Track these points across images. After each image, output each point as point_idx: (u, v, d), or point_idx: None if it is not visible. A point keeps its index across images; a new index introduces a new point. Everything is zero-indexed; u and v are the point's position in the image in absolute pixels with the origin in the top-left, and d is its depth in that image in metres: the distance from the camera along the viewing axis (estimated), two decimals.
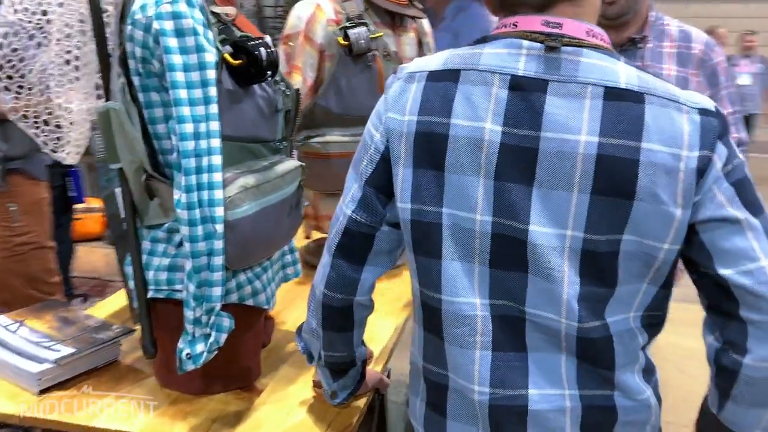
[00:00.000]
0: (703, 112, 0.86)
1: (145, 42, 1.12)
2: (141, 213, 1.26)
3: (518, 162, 0.88)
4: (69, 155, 1.30)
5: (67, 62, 1.23)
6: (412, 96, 0.93)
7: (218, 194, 1.12)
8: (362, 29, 1.78)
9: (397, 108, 0.94)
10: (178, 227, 1.23)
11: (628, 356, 0.94)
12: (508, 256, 0.90)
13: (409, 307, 1.78)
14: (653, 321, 0.96)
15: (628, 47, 1.85)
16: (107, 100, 1.20)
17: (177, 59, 1.09)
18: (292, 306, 1.68)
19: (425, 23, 2.07)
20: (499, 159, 0.87)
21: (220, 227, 1.13)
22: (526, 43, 0.88)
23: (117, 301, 1.79)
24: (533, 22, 0.89)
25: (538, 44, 0.88)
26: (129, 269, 1.30)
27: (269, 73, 1.20)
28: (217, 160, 1.12)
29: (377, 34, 1.82)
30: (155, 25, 1.10)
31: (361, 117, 1.85)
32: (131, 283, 1.30)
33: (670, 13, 1.95)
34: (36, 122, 1.30)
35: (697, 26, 1.90)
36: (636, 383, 0.95)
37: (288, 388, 1.36)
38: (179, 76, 1.10)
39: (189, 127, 1.10)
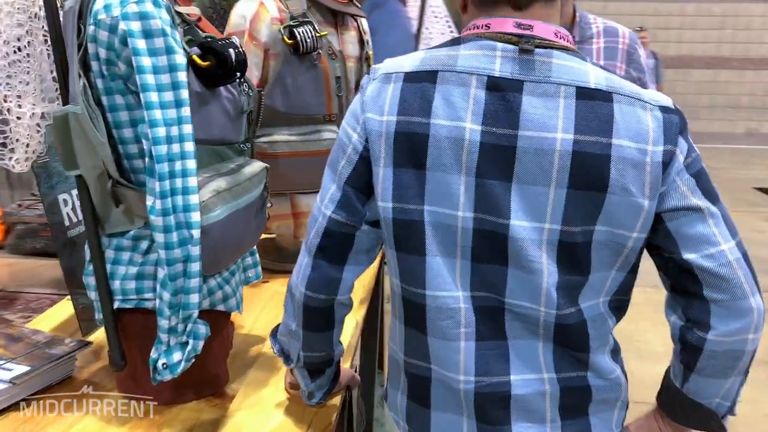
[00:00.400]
0: (664, 109, 0.93)
1: (110, 43, 1.07)
2: (102, 221, 1.21)
3: (497, 159, 0.92)
4: (18, 163, 1.22)
5: (15, 62, 1.15)
6: (390, 96, 0.95)
7: (194, 199, 1.10)
8: (308, 27, 1.78)
9: (375, 108, 0.96)
10: (144, 234, 1.19)
11: (600, 339, 1.01)
12: (489, 250, 0.95)
13: (365, 303, 1.80)
14: (619, 305, 1.03)
15: None
16: (65, 103, 1.14)
17: (146, 61, 1.06)
18: (249, 308, 1.66)
19: (365, 21, 2.08)
20: (480, 157, 0.91)
21: (196, 233, 1.10)
22: (500, 45, 0.93)
23: (58, 313, 1.70)
24: (505, 24, 0.94)
25: (512, 46, 0.92)
26: (90, 279, 1.24)
27: (238, 74, 1.18)
28: (191, 164, 1.10)
29: (322, 33, 1.82)
30: (122, 25, 1.05)
31: (308, 116, 1.88)
32: (93, 294, 1.25)
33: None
34: None
35: None
36: (607, 363, 1.03)
37: (260, 391, 1.35)
38: (149, 79, 1.06)
39: (161, 131, 1.07)
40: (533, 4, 0.95)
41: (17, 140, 1.19)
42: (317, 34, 1.80)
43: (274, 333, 1.23)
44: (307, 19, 1.81)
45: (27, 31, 1.15)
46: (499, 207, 0.93)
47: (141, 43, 1.05)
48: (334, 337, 1.14)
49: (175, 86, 1.08)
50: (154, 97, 1.06)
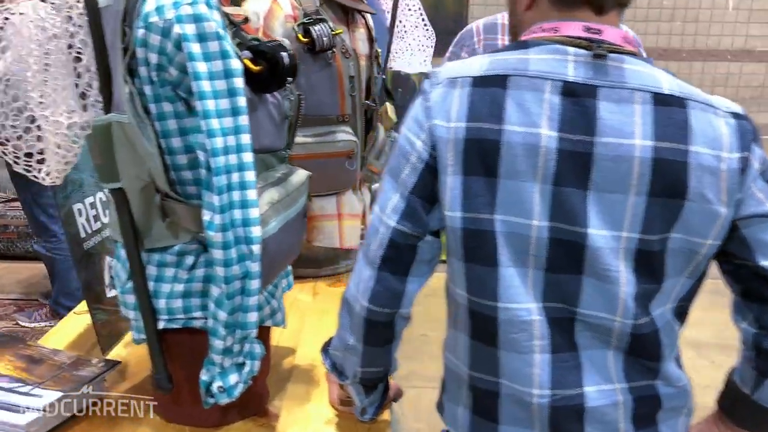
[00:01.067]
0: (736, 116, 0.93)
1: (162, 48, 1.00)
2: (142, 235, 1.13)
3: (574, 167, 0.90)
4: (49, 175, 1.13)
5: (47, 67, 1.06)
6: (457, 102, 0.92)
7: (254, 213, 1.04)
8: (324, 25, 1.72)
9: (441, 114, 0.92)
10: (189, 249, 1.13)
11: (671, 347, 1.00)
12: (564, 259, 0.93)
13: None
14: (683, 311, 1.03)
15: None
16: (107, 111, 1.06)
17: (202, 67, 0.99)
18: None
19: (370, 18, 2.03)
20: (557, 164, 0.89)
21: (257, 248, 1.04)
22: (571, 49, 0.90)
23: (68, 328, 1.61)
24: (575, 28, 0.92)
25: (584, 51, 0.90)
26: (128, 298, 1.17)
27: (289, 79, 1.12)
28: (250, 176, 1.04)
29: (338, 31, 1.76)
30: (176, 29, 0.98)
31: (321, 117, 1.82)
32: (132, 313, 1.18)
33: None
34: (7, 138, 1.11)
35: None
36: (675, 371, 1.02)
37: (304, 407, 1.30)
38: (205, 86, 0.99)
39: (219, 141, 1.01)
40: (611, 9, 0.93)
41: (48, 151, 1.10)
42: (333, 32, 1.73)
43: (326, 348, 1.18)
44: (321, 17, 1.75)
45: (54, 35, 1.06)
46: (576, 215, 0.91)
47: (196, 48, 0.99)
48: (393, 351, 1.10)
49: (231, 93, 1.02)
50: (211, 105, 1.00)
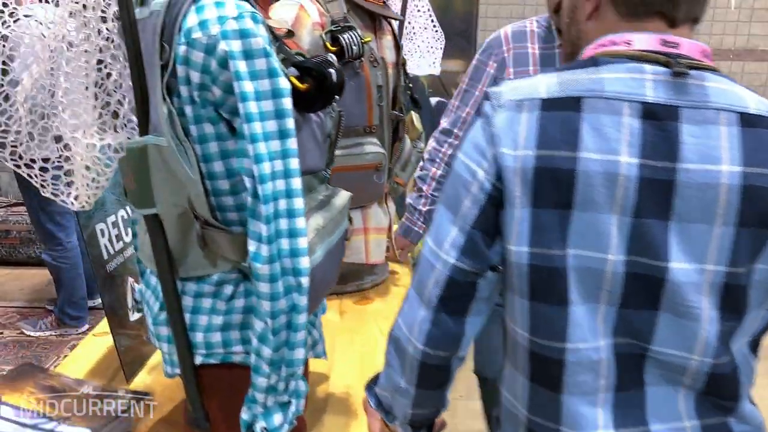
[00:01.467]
0: None
1: (205, 65, 0.93)
2: (176, 263, 1.06)
3: (655, 196, 0.83)
4: (77, 199, 1.05)
5: (84, 86, 0.98)
6: (525, 127, 0.83)
7: (302, 243, 0.96)
8: (353, 33, 1.64)
9: (508, 142, 0.84)
10: (228, 278, 1.05)
11: (748, 384, 0.93)
12: (640, 295, 0.86)
13: None
14: (756, 344, 0.96)
15: None
16: (143, 133, 0.99)
17: (248, 86, 0.92)
18: None
19: (395, 24, 1.96)
20: (637, 193, 0.82)
21: (305, 281, 0.97)
22: (648, 66, 0.83)
23: (88, 353, 1.53)
24: (650, 41, 0.84)
25: (662, 68, 0.83)
26: (161, 330, 1.10)
27: (336, 97, 1.05)
28: (298, 203, 0.96)
29: (367, 39, 1.69)
30: (222, 45, 0.91)
31: (349, 128, 1.74)
32: (165, 346, 1.10)
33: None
34: (33, 160, 1.03)
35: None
36: (750, 408, 0.95)
37: None
38: (252, 107, 0.92)
39: (266, 167, 0.93)
40: (686, 21, 0.86)
41: (77, 174, 1.02)
42: (362, 40, 1.66)
43: (370, 386, 1.11)
44: (349, 24, 1.68)
45: (85, 50, 0.99)
46: (656, 248, 0.84)
47: (242, 66, 0.91)
48: (447, 392, 1.03)
49: (279, 114, 0.94)
50: (258, 127, 0.92)
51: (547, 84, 0.85)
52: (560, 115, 0.83)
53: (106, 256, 1.38)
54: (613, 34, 0.87)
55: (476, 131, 0.88)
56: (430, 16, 4.13)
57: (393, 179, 1.95)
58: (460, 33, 4.80)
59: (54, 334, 3.52)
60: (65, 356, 3.34)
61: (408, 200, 2.13)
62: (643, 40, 0.84)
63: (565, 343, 0.88)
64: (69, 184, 1.06)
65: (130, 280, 1.47)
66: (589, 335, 0.87)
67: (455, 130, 1.99)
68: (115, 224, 1.44)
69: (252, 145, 0.92)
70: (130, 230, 1.51)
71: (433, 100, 4.33)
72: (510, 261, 0.88)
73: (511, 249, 0.87)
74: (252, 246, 0.95)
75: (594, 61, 0.86)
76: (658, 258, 0.83)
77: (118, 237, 1.45)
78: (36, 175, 1.05)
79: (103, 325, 1.62)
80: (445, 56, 3.24)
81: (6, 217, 4.25)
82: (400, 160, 1.96)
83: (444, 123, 2.05)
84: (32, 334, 3.52)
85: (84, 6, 0.98)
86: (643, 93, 0.82)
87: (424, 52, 3.19)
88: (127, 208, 1.50)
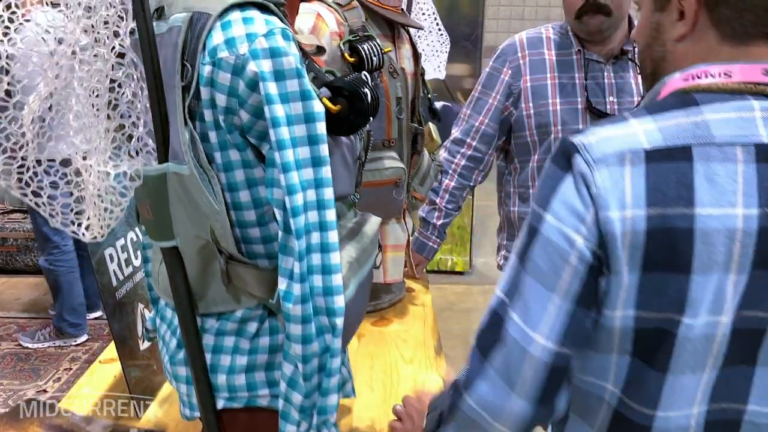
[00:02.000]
0: None
1: (233, 88, 0.84)
2: (196, 298, 0.98)
3: None
4: (89, 230, 0.97)
5: (96, 108, 0.90)
6: (631, 184, 0.73)
7: (336, 280, 0.88)
8: (373, 43, 1.56)
9: (614, 202, 0.73)
10: (252, 315, 0.97)
11: None
12: (739, 351, 0.77)
13: (430, 352, 1.62)
14: None
15: (619, 59, 1.81)
16: (162, 160, 0.90)
17: (280, 111, 0.84)
18: None
19: (413, 32, 1.88)
20: (757, 248, 0.73)
21: (340, 321, 0.89)
22: (756, 103, 0.74)
23: (95, 380, 1.45)
24: (752, 72, 0.75)
25: None
26: (179, 370, 1.01)
27: (371, 119, 0.97)
28: (333, 236, 0.88)
29: (387, 49, 1.61)
30: (251, 66, 0.83)
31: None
32: (183, 387, 1.02)
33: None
34: (40, 187, 0.95)
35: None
36: None
37: None
38: (284, 133, 0.84)
39: (299, 198, 0.85)
40: None
41: (89, 203, 0.94)
42: (382, 51, 1.58)
43: None
44: (368, 33, 1.59)
45: (98, 69, 0.90)
46: (763, 299, 0.75)
47: (273, 88, 0.83)
48: None
49: (312, 140, 0.86)
50: (290, 155, 0.84)
51: (644, 130, 0.75)
52: (669, 167, 0.73)
53: (115, 283, 1.30)
54: (707, 64, 0.77)
55: (568, 190, 0.75)
56: (436, 19, 4.04)
57: (411, 194, 1.87)
58: (465, 37, 4.72)
59: (53, 345, 3.45)
60: (65, 369, 3.26)
61: (421, 213, 2.05)
62: (745, 71, 0.75)
63: (655, 410, 0.78)
64: (80, 213, 0.97)
65: (140, 306, 1.38)
66: (685, 404, 0.78)
67: (468, 140, 1.91)
68: (124, 248, 1.36)
69: (284, 175, 0.84)
70: (139, 253, 1.42)
71: (438, 105, 4.25)
72: (608, 325, 0.77)
73: (613, 314, 0.76)
74: (283, 284, 0.87)
75: (692, 99, 0.76)
76: (762, 308, 0.75)
77: (128, 261, 1.37)
78: (44, 203, 0.97)
79: (110, 350, 1.54)
80: (450, 60, 3.15)
81: (3, 225, 4.16)
82: (418, 173, 1.88)
83: (456, 132, 1.97)
84: (30, 346, 3.43)
85: (96, 21, 0.89)
86: (757, 133, 0.73)
87: (429, 56, 3.11)
88: (137, 229, 1.42)
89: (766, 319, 0.75)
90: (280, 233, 0.87)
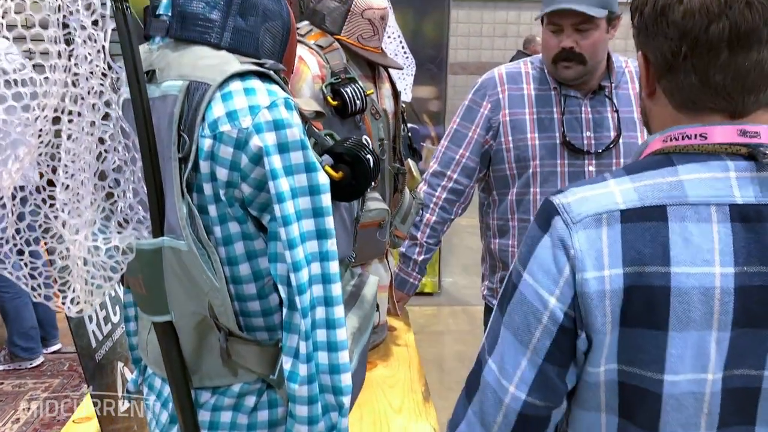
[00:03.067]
0: None
1: (234, 162, 0.81)
2: (191, 370, 0.93)
3: (755, 305, 0.75)
4: (74, 303, 0.91)
5: (83, 178, 0.85)
6: (608, 244, 0.75)
7: (343, 357, 0.85)
8: (356, 87, 1.54)
9: (591, 263, 0.75)
10: (250, 389, 0.93)
11: None
12: (735, 411, 0.78)
13: (419, 398, 1.59)
14: None
15: (596, 93, 1.83)
16: (157, 234, 0.86)
17: (285, 185, 0.81)
18: None
19: (393, 72, 1.87)
20: (736, 306, 0.74)
21: (347, 401, 0.86)
22: (730, 163, 0.76)
23: None
24: (728, 133, 0.77)
25: (745, 162, 0.76)
26: None
27: (373, 184, 0.94)
28: (339, 312, 0.85)
29: (369, 92, 1.59)
30: (255, 140, 0.79)
31: None
32: None
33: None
34: (21, 258, 0.89)
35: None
36: None
37: None
38: (290, 207, 0.81)
39: (305, 274, 0.82)
40: (754, 111, 0.78)
41: (75, 277, 0.89)
42: (365, 93, 1.56)
43: None
44: (350, 76, 1.57)
45: (89, 133, 0.85)
46: (756, 358, 0.76)
47: (277, 161, 0.80)
48: None
49: (317, 213, 0.83)
50: (295, 230, 0.81)
51: (621, 191, 0.77)
52: (645, 226, 0.74)
53: (94, 344, 1.24)
54: (684, 126, 0.79)
55: (545, 251, 0.78)
56: (401, 42, 4.04)
57: (393, 232, 1.85)
58: (430, 59, 4.74)
59: (8, 368, 3.40)
60: (23, 409, 3.12)
61: (401, 250, 2.03)
62: (720, 133, 0.76)
63: None
64: (65, 284, 0.92)
65: (120, 365, 1.32)
66: None
67: (448, 172, 1.90)
68: (102, 305, 1.30)
69: (289, 252, 0.81)
70: (118, 309, 1.36)
71: None
72: (593, 381, 0.79)
73: (597, 370, 0.78)
74: (287, 363, 0.84)
75: (668, 160, 0.77)
76: (758, 367, 0.76)
77: (107, 319, 1.30)
78: (25, 276, 0.91)
79: (84, 407, 1.47)
80: (416, 83, 3.16)
81: None
82: (400, 212, 1.86)
83: (435, 165, 1.96)
84: None
85: (79, 77, 0.85)
86: (730, 193, 0.74)
87: (395, 79, 3.11)
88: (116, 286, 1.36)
89: (758, 377, 0.77)
90: (284, 310, 0.84)
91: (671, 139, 0.79)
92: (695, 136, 0.78)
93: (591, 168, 1.77)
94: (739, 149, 0.75)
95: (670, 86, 0.78)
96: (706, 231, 0.74)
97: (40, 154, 0.89)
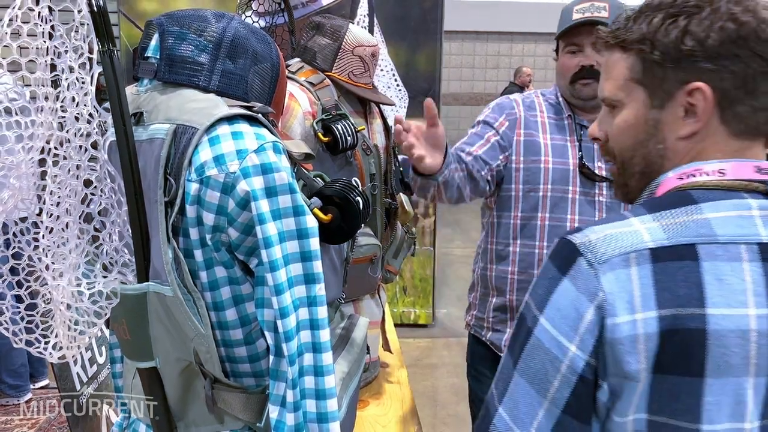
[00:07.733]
0: None
1: (221, 207, 0.80)
2: (176, 417, 0.91)
3: None
4: (56, 348, 0.89)
5: (66, 222, 0.83)
6: (638, 284, 0.71)
7: (331, 405, 0.83)
8: (347, 123, 1.54)
9: (622, 306, 0.71)
10: None
11: None
12: None
13: None
14: None
15: None
16: (144, 278, 0.84)
17: (272, 229, 0.79)
18: None
19: (387, 107, 1.87)
20: None
21: None
22: (753, 201, 0.75)
23: None
24: (744, 169, 0.76)
25: (765, 200, 0.75)
26: None
27: (362, 225, 0.93)
28: (327, 358, 0.83)
29: (360, 128, 1.59)
30: (242, 185, 0.79)
31: None
32: None
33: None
34: (2, 302, 0.87)
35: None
36: None
37: None
38: (277, 252, 0.80)
39: (292, 320, 0.80)
40: None
41: (58, 323, 0.87)
42: (356, 129, 1.56)
43: None
44: (341, 112, 1.57)
45: (75, 175, 0.84)
46: None
47: (265, 205, 0.79)
48: None
49: (305, 257, 0.82)
50: (283, 275, 0.80)
51: (647, 229, 0.74)
52: (678, 266, 0.72)
53: (79, 387, 1.21)
54: (701, 163, 0.77)
55: (565, 295, 0.73)
56: (394, 75, 4.07)
57: (385, 267, 1.83)
58: (423, 92, 4.78)
59: None
60: None
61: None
62: (737, 169, 0.76)
63: None
64: (47, 329, 0.90)
65: (106, 408, 1.29)
66: None
67: (468, 149, 1.71)
68: (88, 347, 1.27)
69: (276, 298, 0.80)
70: (104, 350, 1.34)
71: (400, 158, 4.28)
72: (616, 430, 0.75)
73: (623, 420, 0.74)
74: (274, 412, 0.81)
75: (689, 197, 0.76)
76: None
77: (92, 360, 1.28)
78: (6, 321, 0.89)
79: None
80: (409, 115, 3.18)
81: None
82: (392, 247, 1.85)
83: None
84: None
85: (65, 119, 0.84)
86: (757, 232, 0.73)
87: (387, 111, 3.13)
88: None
89: None
90: (271, 357, 0.82)
91: (687, 176, 0.78)
92: (713, 172, 0.77)
93: (601, 198, 1.72)
94: (757, 186, 0.75)
95: (743, 110, 0.76)
96: (738, 271, 0.71)
97: (24, 198, 0.88)
